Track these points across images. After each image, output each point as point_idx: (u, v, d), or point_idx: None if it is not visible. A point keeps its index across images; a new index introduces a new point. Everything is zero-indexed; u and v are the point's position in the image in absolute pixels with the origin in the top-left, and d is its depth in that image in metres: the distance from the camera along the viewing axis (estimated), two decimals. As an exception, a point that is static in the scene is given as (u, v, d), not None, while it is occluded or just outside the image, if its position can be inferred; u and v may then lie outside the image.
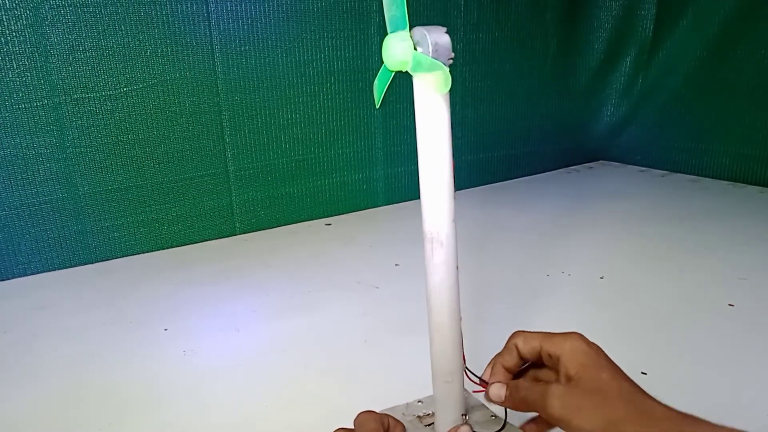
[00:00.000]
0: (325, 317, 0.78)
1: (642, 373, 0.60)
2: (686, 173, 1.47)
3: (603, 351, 0.38)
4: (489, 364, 0.43)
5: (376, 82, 0.42)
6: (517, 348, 0.41)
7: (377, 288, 0.87)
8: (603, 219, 1.17)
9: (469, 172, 1.40)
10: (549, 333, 0.40)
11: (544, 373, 0.42)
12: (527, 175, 1.50)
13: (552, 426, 0.41)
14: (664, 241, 1.03)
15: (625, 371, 0.37)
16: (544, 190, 1.39)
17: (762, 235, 1.03)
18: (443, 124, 0.40)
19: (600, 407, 0.34)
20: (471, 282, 0.87)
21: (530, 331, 0.42)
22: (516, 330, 0.43)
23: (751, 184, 1.35)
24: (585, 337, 0.39)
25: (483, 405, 0.52)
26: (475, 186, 1.41)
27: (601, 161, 1.65)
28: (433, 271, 0.43)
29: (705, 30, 1.38)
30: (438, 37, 0.38)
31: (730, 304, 0.77)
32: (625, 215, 1.18)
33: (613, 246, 1.01)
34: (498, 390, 0.41)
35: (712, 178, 1.42)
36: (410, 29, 0.38)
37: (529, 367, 0.43)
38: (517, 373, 0.43)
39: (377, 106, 0.43)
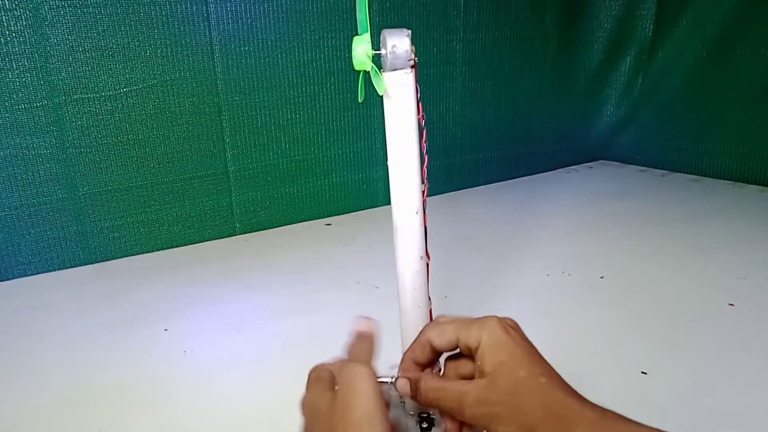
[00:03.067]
0: (325, 317, 0.78)
1: (642, 372, 0.60)
2: (686, 173, 1.47)
3: (520, 337, 0.36)
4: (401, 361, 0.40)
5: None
6: (430, 343, 0.38)
7: (377, 288, 0.87)
8: (603, 219, 1.17)
9: (469, 172, 1.40)
10: (465, 321, 0.38)
11: (462, 365, 0.39)
12: (527, 175, 1.51)
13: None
14: (664, 241, 1.03)
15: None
16: (544, 190, 1.39)
17: (762, 235, 1.03)
18: (408, 124, 0.42)
19: (516, 413, 0.33)
20: (471, 282, 0.87)
21: (445, 321, 0.39)
22: (436, 316, 0.41)
23: (751, 183, 1.35)
24: (502, 322, 0.36)
25: None
26: (475, 186, 1.41)
27: (601, 161, 1.65)
28: (398, 258, 0.46)
29: (705, 30, 1.38)
30: (397, 40, 0.39)
31: (730, 304, 0.77)
32: (625, 215, 1.18)
33: (613, 246, 1.01)
34: (403, 386, 0.37)
35: (712, 178, 1.42)
36: (381, 32, 0.40)
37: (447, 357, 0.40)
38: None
39: (359, 101, 0.44)
